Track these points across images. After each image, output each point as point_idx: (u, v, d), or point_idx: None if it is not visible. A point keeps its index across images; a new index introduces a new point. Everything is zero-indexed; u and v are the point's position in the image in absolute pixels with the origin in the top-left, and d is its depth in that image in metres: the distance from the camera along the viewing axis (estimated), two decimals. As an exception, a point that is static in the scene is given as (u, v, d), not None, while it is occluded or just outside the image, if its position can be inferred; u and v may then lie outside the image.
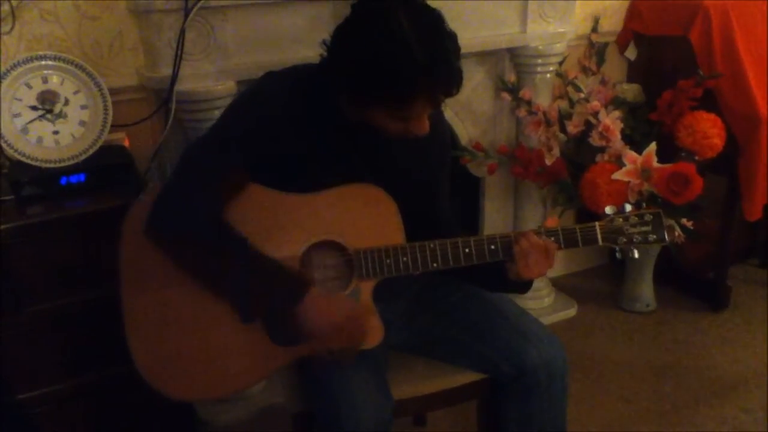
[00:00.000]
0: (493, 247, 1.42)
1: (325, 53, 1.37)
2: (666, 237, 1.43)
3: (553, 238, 1.42)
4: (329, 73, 1.37)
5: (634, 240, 1.44)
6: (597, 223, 1.44)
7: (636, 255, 1.44)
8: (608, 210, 1.45)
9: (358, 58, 1.29)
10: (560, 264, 3.01)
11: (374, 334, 1.44)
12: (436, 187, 1.60)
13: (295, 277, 1.38)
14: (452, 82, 1.32)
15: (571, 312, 2.75)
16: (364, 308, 1.42)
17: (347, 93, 1.36)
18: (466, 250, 1.42)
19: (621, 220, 1.44)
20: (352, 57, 1.31)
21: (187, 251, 1.39)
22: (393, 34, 1.26)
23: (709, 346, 2.54)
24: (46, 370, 1.74)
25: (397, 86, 1.28)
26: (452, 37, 1.32)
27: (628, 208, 1.44)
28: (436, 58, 1.27)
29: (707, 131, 2.29)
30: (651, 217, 1.44)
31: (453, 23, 1.33)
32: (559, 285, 2.88)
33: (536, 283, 2.70)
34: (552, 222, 1.46)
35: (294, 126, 1.41)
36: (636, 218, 1.44)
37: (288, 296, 1.36)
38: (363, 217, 1.44)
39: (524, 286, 1.50)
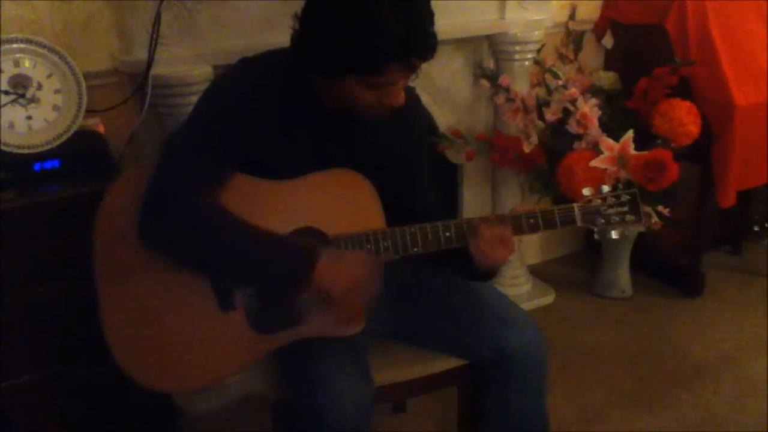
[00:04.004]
0: (474, 231, 1.42)
1: (296, 26, 1.35)
2: (642, 217, 1.44)
3: (532, 221, 1.42)
4: (302, 46, 1.35)
5: (612, 221, 1.45)
6: (575, 204, 1.45)
7: (614, 236, 1.45)
8: (586, 191, 1.46)
9: (330, 25, 1.28)
10: (537, 251, 3.03)
11: (355, 321, 1.44)
12: (414, 172, 1.59)
13: (302, 245, 1.36)
14: (427, 47, 1.31)
15: (549, 299, 2.78)
16: (376, 259, 1.40)
17: (320, 65, 1.33)
18: (447, 234, 1.42)
19: (599, 201, 1.45)
20: (324, 25, 1.29)
21: (188, 250, 1.35)
22: (365, 3, 1.25)
23: (684, 331, 2.58)
24: (20, 360, 1.70)
25: (371, 52, 1.27)
26: (425, 1, 1.31)
27: (606, 189, 1.45)
28: (410, 22, 1.26)
29: (683, 119, 2.30)
30: (628, 197, 1.45)
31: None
32: (536, 272, 2.90)
33: (514, 271, 2.74)
34: (523, 209, 1.47)
35: (271, 112, 1.40)
36: (613, 199, 1.45)
37: (302, 265, 1.34)
38: (342, 202, 1.43)
39: (487, 275, 1.50)
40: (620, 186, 1.47)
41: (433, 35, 1.31)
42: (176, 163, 1.37)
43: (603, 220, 1.45)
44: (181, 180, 1.35)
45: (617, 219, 1.45)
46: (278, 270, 1.34)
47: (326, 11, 1.29)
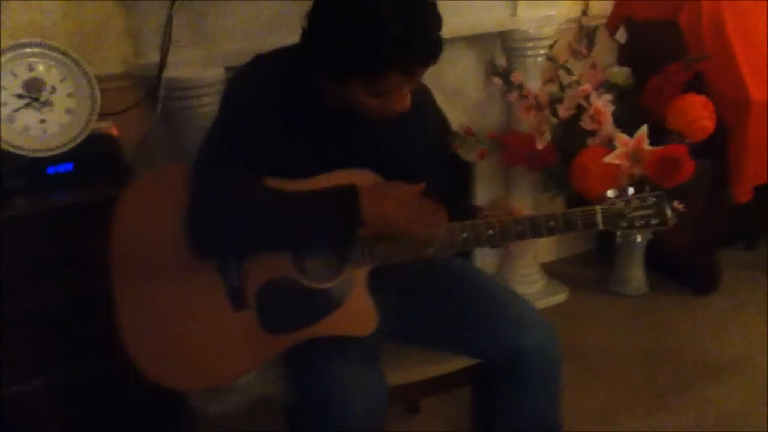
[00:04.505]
0: (491, 232, 1.41)
1: (305, 25, 1.35)
2: (669, 221, 1.40)
3: (552, 223, 1.40)
4: (307, 47, 1.35)
5: (636, 224, 1.41)
6: (598, 207, 1.41)
7: (639, 239, 1.41)
8: (609, 193, 1.42)
9: (332, 27, 1.28)
10: (550, 249, 3.02)
11: (368, 321, 1.44)
12: (422, 171, 1.57)
13: (337, 190, 1.38)
14: (429, 53, 1.30)
15: (562, 297, 2.76)
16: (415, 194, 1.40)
17: (324, 68, 1.33)
18: (464, 235, 1.41)
19: (622, 203, 1.41)
20: (326, 27, 1.29)
21: (243, 240, 1.38)
22: (368, 4, 1.24)
23: (699, 329, 2.56)
24: (29, 364, 1.71)
25: (372, 55, 1.26)
26: (431, 7, 1.30)
27: (631, 191, 1.41)
28: (412, 28, 1.25)
29: (697, 114, 2.29)
30: (653, 200, 1.40)
31: (442, 8, 1.31)
32: (549, 270, 2.88)
33: (527, 269, 2.73)
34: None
35: (275, 108, 1.40)
36: (637, 201, 1.41)
37: (347, 208, 1.36)
38: None
39: None
40: (647, 188, 1.42)
41: (437, 41, 1.30)
42: (209, 164, 1.40)
43: (626, 224, 1.41)
44: (216, 177, 1.37)
45: (641, 223, 1.41)
46: (330, 212, 1.37)
47: (329, 13, 1.29)
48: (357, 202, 1.36)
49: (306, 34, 1.35)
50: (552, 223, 1.41)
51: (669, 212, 1.41)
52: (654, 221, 1.41)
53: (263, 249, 1.41)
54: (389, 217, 1.37)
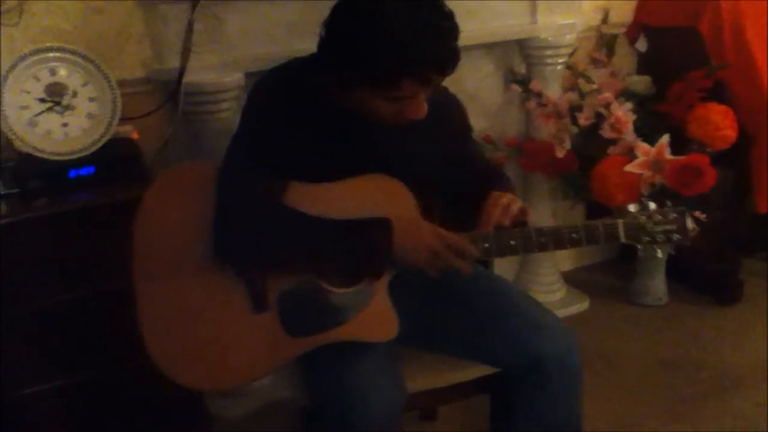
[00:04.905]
0: (513, 242, 1.40)
1: (323, 33, 1.36)
2: (690, 236, 1.41)
3: (575, 235, 1.40)
4: (324, 53, 1.36)
5: (658, 239, 1.41)
6: (620, 221, 1.41)
7: (659, 254, 1.41)
8: (631, 208, 1.42)
9: (346, 35, 1.29)
10: (571, 257, 3.00)
11: (389, 327, 1.43)
12: (445, 176, 1.56)
13: (371, 224, 1.39)
14: (441, 60, 1.29)
15: (583, 306, 2.74)
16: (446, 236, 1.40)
17: (339, 73, 1.34)
18: (486, 245, 1.40)
19: (644, 218, 1.41)
20: (341, 35, 1.30)
21: (270, 259, 1.41)
22: (374, 11, 1.25)
23: (721, 339, 2.52)
24: (49, 366, 1.72)
25: (383, 63, 1.26)
26: (445, 14, 1.30)
27: (652, 206, 1.42)
28: (423, 35, 1.25)
29: (719, 123, 2.27)
30: (675, 215, 1.41)
31: (461, 14, 1.31)
32: (570, 279, 2.86)
33: (547, 278, 2.72)
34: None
35: (303, 119, 1.41)
36: (659, 216, 1.41)
37: (378, 245, 1.38)
38: (378, 209, 1.42)
39: None
40: (668, 203, 1.43)
41: (452, 49, 1.30)
42: (235, 178, 1.41)
43: (648, 238, 1.41)
44: (242, 192, 1.39)
45: (663, 237, 1.41)
46: (361, 246, 1.39)
47: (343, 19, 1.30)
48: (390, 241, 1.38)
49: (323, 41, 1.36)
50: (575, 235, 1.40)
51: (690, 227, 1.41)
52: (675, 236, 1.41)
53: (290, 270, 1.43)
54: (417, 260, 1.39)
